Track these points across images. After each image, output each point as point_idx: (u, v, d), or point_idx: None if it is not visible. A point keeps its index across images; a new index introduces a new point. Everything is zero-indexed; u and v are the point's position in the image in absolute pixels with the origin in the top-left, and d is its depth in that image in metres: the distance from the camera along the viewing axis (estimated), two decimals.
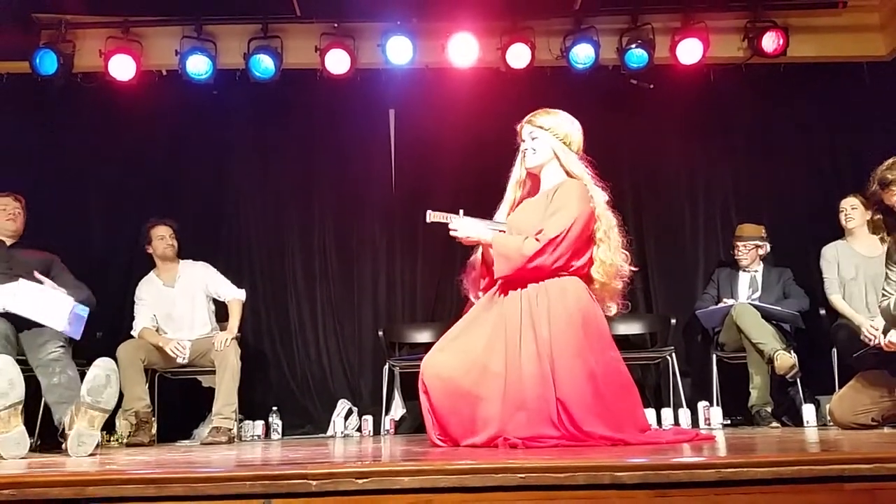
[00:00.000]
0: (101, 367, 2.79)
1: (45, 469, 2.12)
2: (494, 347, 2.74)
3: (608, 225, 2.85)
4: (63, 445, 2.86)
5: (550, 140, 2.91)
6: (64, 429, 2.83)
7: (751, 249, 4.80)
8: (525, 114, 3.01)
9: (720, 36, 4.98)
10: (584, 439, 2.53)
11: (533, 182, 3.02)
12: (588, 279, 2.83)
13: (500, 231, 2.91)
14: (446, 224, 2.93)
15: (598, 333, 2.76)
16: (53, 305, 3.34)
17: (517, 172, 3.03)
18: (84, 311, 3.42)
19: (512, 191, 3.04)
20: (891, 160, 3.13)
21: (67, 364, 3.14)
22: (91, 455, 2.71)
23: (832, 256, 4.50)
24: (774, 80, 5.18)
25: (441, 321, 4.87)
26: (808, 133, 5.31)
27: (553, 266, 2.76)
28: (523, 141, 2.97)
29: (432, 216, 2.92)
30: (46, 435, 4.08)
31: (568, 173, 2.90)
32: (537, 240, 2.76)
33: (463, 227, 2.89)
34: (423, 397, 2.80)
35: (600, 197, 2.87)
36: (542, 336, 2.68)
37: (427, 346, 3.47)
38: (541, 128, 2.92)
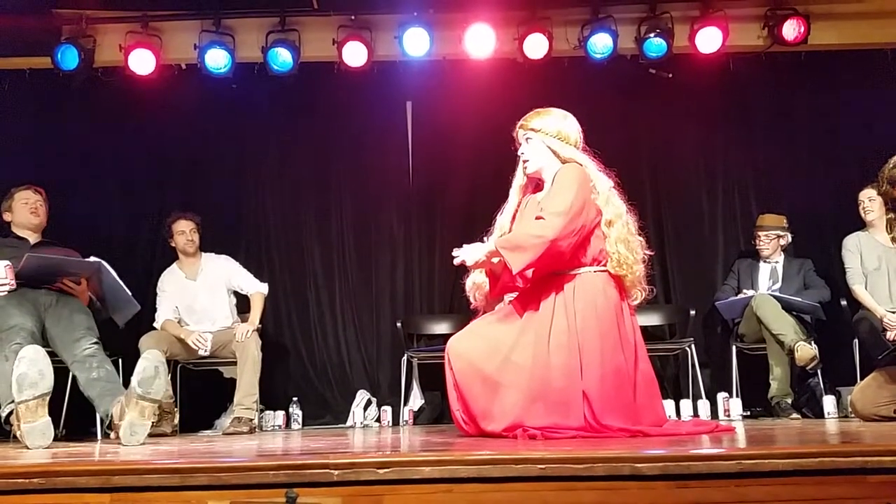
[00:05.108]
0: (149, 360, 2.85)
1: (72, 459, 2.17)
2: (521, 341, 2.73)
3: (615, 214, 2.79)
4: (111, 435, 2.96)
5: (544, 140, 2.89)
6: (112, 420, 2.90)
7: (772, 240, 4.76)
8: (543, 105, 3.00)
9: (740, 24, 4.92)
10: (602, 431, 2.54)
11: (538, 183, 3.01)
12: (608, 272, 2.81)
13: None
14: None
15: (626, 327, 2.75)
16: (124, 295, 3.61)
17: (519, 178, 3.02)
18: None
19: (515, 196, 3.02)
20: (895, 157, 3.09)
21: (103, 359, 3.20)
22: (142, 444, 2.79)
23: (854, 246, 4.46)
24: (795, 69, 5.11)
25: (459, 313, 4.88)
26: (829, 122, 5.24)
27: (568, 242, 2.69)
28: (520, 144, 2.97)
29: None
30: (70, 425, 4.16)
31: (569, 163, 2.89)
32: (541, 217, 2.72)
33: (464, 252, 2.79)
34: (447, 372, 2.82)
35: (604, 184, 2.82)
36: (572, 328, 2.68)
37: (445, 338, 3.48)
38: (532, 130, 2.91)
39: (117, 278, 3.57)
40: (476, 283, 2.96)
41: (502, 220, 2.99)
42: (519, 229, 2.84)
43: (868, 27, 4.95)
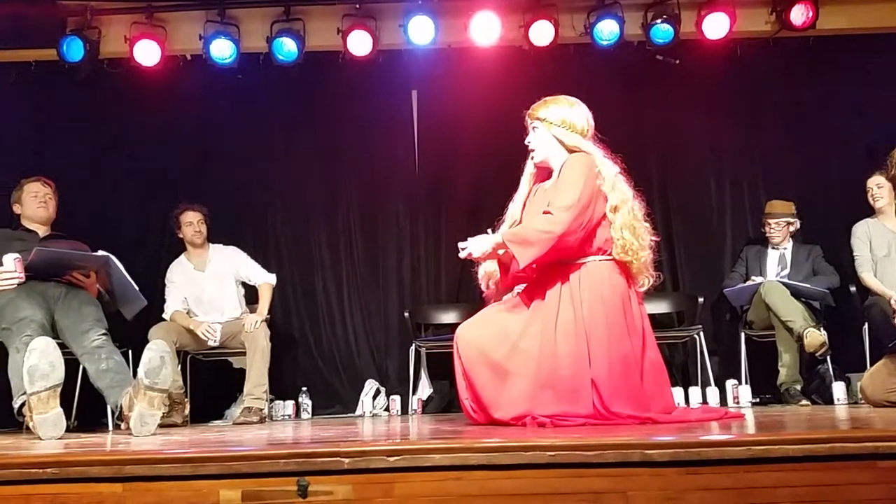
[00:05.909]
0: (154, 350, 2.85)
1: (84, 449, 2.18)
2: (529, 330, 2.74)
3: (620, 199, 2.78)
4: (122, 426, 2.97)
5: (549, 129, 2.89)
6: (121, 411, 2.92)
7: (782, 227, 4.75)
8: (549, 92, 3.00)
9: (747, 9, 4.87)
10: (611, 418, 2.55)
11: (549, 171, 3.01)
12: (614, 260, 2.81)
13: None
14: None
15: (633, 315, 2.75)
16: (132, 290, 3.61)
17: (529, 166, 3.03)
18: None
19: (526, 184, 3.03)
20: None
21: (112, 350, 3.21)
22: (153, 434, 2.80)
23: (863, 233, 4.43)
24: (803, 54, 5.06)
25: (466, 302, 4.89)
26: (838, 108, 5.20)
27: (576, 237, 2.71)
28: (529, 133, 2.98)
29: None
30: (82, 416, 4.20)
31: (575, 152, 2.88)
32: (548, 212, 2.73)
33: (471, 244, 2.81)
34: (456, 361, 2.84)
35: (610, 171, 2.81)
36: (578, 316, 2.69)
37: (453, 327, 3.49)
38: (538, 119, 2.92)
39: (125, 273, 3.58)
40: (487, 272, 2.98)
41: (513, 208, 3.01)
42: (527, 223, 2.84)
43: (878, 11, 4.89)
